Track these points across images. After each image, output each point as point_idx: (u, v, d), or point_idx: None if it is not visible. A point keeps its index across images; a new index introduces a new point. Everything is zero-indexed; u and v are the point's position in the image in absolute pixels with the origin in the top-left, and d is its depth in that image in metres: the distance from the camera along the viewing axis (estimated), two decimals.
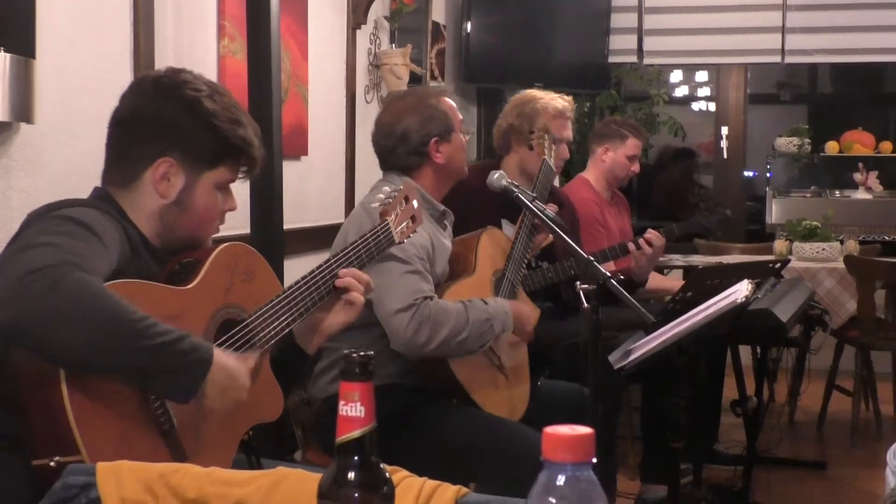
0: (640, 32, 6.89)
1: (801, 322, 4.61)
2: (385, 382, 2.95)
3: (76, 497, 1.47)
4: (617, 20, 6.85)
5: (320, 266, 2.18)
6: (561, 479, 0.90)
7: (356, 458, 1.11)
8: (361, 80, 4.97)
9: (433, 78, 5.84)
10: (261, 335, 2.02)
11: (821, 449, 5.31)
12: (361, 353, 1.10)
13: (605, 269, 2.78)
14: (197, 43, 3.62)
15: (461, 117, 3.13)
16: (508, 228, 3.52)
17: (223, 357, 1.87)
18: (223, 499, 1.45)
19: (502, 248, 3.22)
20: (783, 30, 6.69)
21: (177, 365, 1.78)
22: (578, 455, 0.90)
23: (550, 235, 3.24)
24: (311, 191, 4.48)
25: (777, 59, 6.77)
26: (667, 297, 4.47)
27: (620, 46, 6.88)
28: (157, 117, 2.02)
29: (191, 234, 2.07)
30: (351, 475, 1.10)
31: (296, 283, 2.12)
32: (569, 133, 3.92)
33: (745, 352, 5.25)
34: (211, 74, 3.61)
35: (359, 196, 4.87)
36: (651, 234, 3.88)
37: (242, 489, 1.46)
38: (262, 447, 2.12)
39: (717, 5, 6.78)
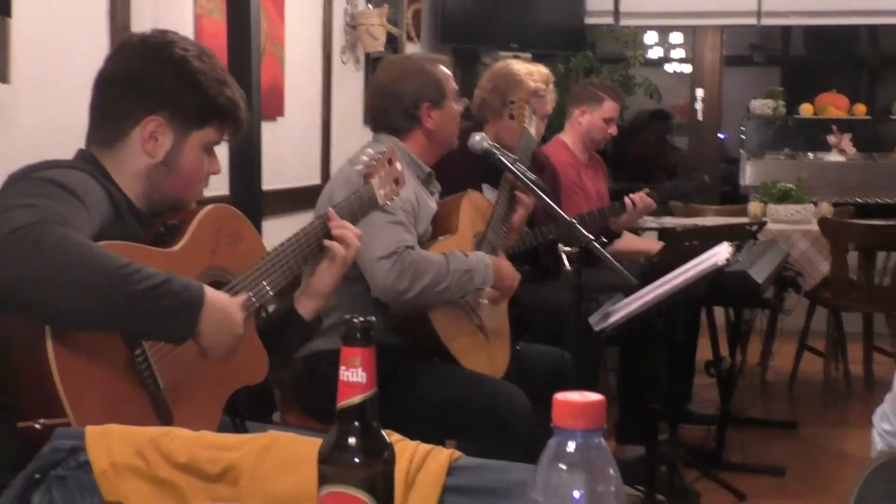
0: None
1: (774, 284, 4.65)
2: None
3: (65, 460, 1.47)
4: None
5: (304, 228, 2.17)
6: (571, 446, 0.90)
7: (357, 423, 1.10)
8: (338, 40, 4.93)
9: (409, 39, 5.82)
10: (248, 296, 2.01)
11: (792, 409, 5.37)
12: (362, 319, 1.10)
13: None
14: (173, 2, 3.58)
15: (456, 87, 3.13)
16: (489, 193, 3.53)
17: (214, 293, 1.87)
18: (214, 463, 1.45)
19: (483, 211, 3.23)
20: None
21: (169, 306, 1.76)
22: (589, 422, 0.90)
23: (524, 213, 3.27)
24: (287, 152, 4.46)
25: (753, 20, 6.78)
26: (641, 258, 4.51)
27: (597, 8, 6.87)
28: (146, 75, 2.01)
29: (177, 195, 2.06)
30: (352, 440, 1.10)
31: (280, 245, 2.11)
32: (546, 109, 3.93)
33: (717, 313, 5.28)
34: (187, 35, 3.54)
35: (335, 158, 4.86)
36: (641, 196, 3.91)
37: (233, 453, 1.45)
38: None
39: None
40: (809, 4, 6.75)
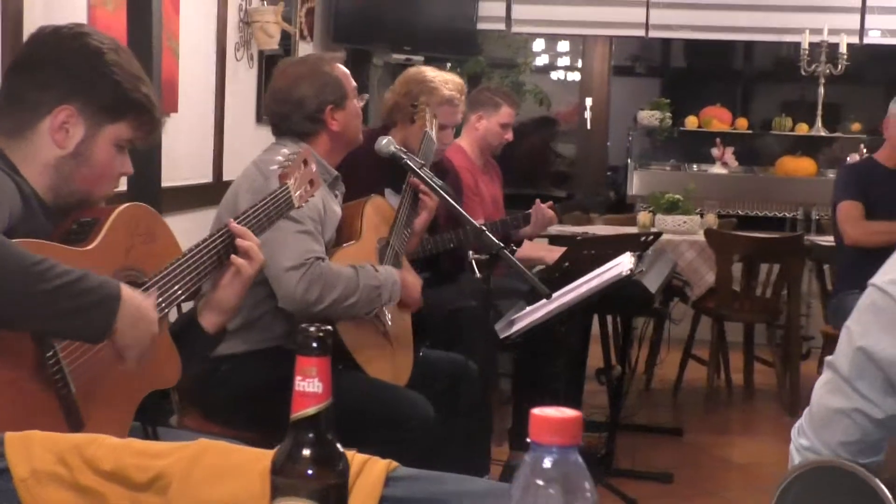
0: (508, 0, 6.91)
1: (662, 293, 4.73)
2: (270, 345, 2.93)
3: None
4: None
5: (219, 230, 2.12)
6: (548, 462, 0.89)
7: (311, 434, 1.07)
8: (232, 37, 4.85)
9: (302, 37, 5.75)
10: (160, 298, 1.95)
11: (676, 416, 5.47)
12: (320, 327, 1.07)
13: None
14: None
15: (354, 84, 3.10)
16: (391, 197, 3.51)
17: (130, 291, 1.81)
18: (143, 470, 1.40)
19: (386, 216, 3.21)
20: (647, 4, 6.82)
21: (86, 303, 1.71)
22: (566, 438, 0.89)
23: (427, 217, 3.26)
24: (180, 148, 4.35)
25: (641, 32, 6.90)
26: (536, 266, 4.55)
27: (489, 13, 6.89)
28: (59, 64, 1.95)
29: (86, 189, 1.99)
30: (306, 452, 1.07)
31: (196, 245, 2.06)
32: (457, 119, 3.94)
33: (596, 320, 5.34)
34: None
35: (228, 155, 4.77)
36: (540, 205, 3.96)
37: (162, 461, 1.40)
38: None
39: None
40: (694, 19, 6.91)
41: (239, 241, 2.12)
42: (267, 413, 2.84)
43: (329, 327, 1.08)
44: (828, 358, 1.65)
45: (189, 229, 2.18)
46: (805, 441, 1.65)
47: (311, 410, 1.07)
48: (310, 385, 1.06)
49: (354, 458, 1.43)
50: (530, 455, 0.90)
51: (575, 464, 0.89)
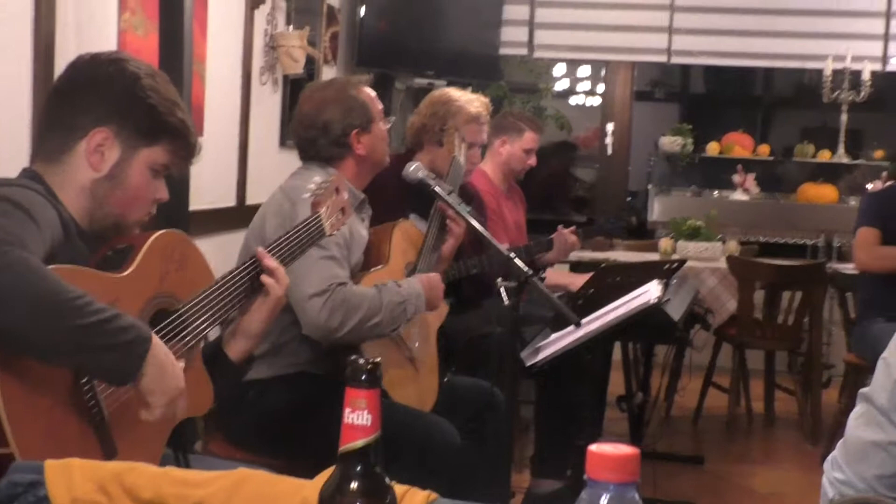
0: (531, 25, 6.94)
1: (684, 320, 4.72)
2: (295, 370, 2.93)
3: (22, 495, 1.39)
4: (509, 12, 6.89)
5: (252, 258, 2.13)
6: (605, 499, 0.88)
7: (359, 467, 1.07)
8: (258, 61, 4.87)
9: (326, 62, 5.77)
10: (194, 325, 1.96)
11: (697, 444, 5.44)
12: (369, 360, 1.06)
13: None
14: (97, 17, 3.48)
15: (381, 106, 3.10)
16: (416, 222, 3.51)
17: (159, 340, 1.81)
18: (182, 499, 1.39)
19: (414, 241, 3.22)
20: (670, 30, 6.83)
21: (115, 343, 1.70)
22: (624, 475, 0.89)
23: (455, 243, 3.27)
24: (205, 172, 4.37)
25: (663, 58, 6.91)
26: (557, 293, 4.54)
27: (511, 38, 6.92)
28: (95, 87, 1.96)
29: (120, 213, 1.99)
30: (354, 485, 1.07)
31: (229, 272, 2.07)
32: (483, 137, 3.93)
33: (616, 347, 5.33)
34: (110, 49, 3.48)
35: (252, 179, 4.78)
36: (563, 231, 3.95)
37: (202, 490, 1.40)
38: None
39: (608, 2, 6.88)
40: (716, 45, 6.91)
41: (266, 262, 2.13)
42: (293, 438, 2.86)
43: (378, 359, 1.07)
44: (863, 390, 1.64)
45: (213, 253, 2.19)
46: (839, 474, 1.63)
47: (359, 443, 1.07)
48: (359, 417, 1.06)
49: (393, 488, 1.42)
50: (587, 492, 0.90)
51: (632, 501, 0.89)
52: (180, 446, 2.00)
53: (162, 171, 2.04)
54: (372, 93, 3.09)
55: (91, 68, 2.00)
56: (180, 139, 2.03)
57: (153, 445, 1.92)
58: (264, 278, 2.13)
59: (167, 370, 1.80)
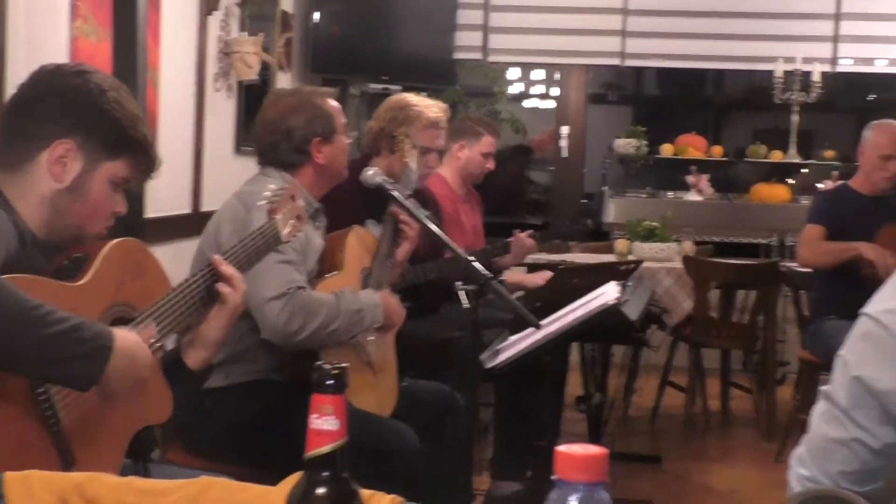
0: (485, 30, 6.96)
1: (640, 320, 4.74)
2: (254, 378, 2.92)
3: None
4: (463, 16, 6.91)
5: (209, 265, 2.13)
6: (574, 500, 0.89)
7: (326, 472, 1.07)
8: (211, 67, 4.85)
9: (281, 68, 5.76)
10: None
11: (655, 443, 5.48)
12: (335, 365, 1.07)
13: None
14: (48, 24, 3.46)
15: (345, 120, 3.11)
16: (374, 228, 3.51)
17: (123, 336, 1.80)
18: None
19: (369, 246, 3.22)
20: (623, 33, 6.88)
21: (78, 352, 1.70)
22: (593, 475, 0.89)
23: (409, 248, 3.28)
24: (159, 180, 4.30)
25: (617, 61, 6.97)
26: (516, 293, 4.56)
27: (466, 43, 6.94)
28: (60, 98, 1.95)
29: (79, 225, 1.98)
30: (321, 490, 1.07)
31: (185, 280, 2.06)
32: (441, 142, 3.93)
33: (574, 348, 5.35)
34: (62, 57, 3.46)
35: (207, 186, 4.76)
36: (521, 235, 3.97)
37: (165, 499, 1.39)
38: None
39: (561, 6, 6.92)
40: (668, 48, 6.97)
41: (223, 269, 2.13)
42: (252, 446, 2.85)
43: (345, 365, 1.08)
44: (823, 388, 1.66)
45: (169, 260, 2.18)
46: (805, 471, 1.66)
47: (326, 449, 1.07)
48: (325, 423, 1.06)
49: (360, 493, 1.43)
50: (557, 492, 0.90)
51: (601, 501, 0.90)
52: (140, 455, 1.99)
53: (122, 184, 2.03)
54: (337, 105, 3.10)
55: (55, 79, 1.98)
56: (142, 154, 2.03)
57: (112, 455, 1.90)
58: (221, 286, 2.12)
59: (129, 369, 1.80)
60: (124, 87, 2.05)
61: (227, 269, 2.14)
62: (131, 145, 1.99)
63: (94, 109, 1.94)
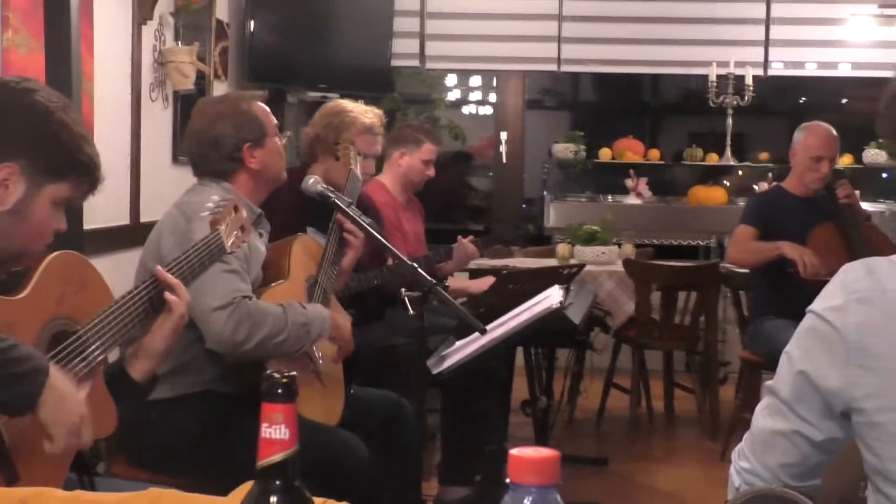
0: (422, 37, 6.97)
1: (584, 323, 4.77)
2: (200, 389, 2.89)
3: None
4: (400, 24, 6.90)
5: (153, 277, 2.10)
6: (527, 502, 0.89)
7: (278, 482, 1.06)
8: (147, 77, 4.80)
9: (217, 77, 5.72)
10: (94, 347, 1.92)
11: (601, 445, 5.51)
12: (285, 374, 1.06)
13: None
14: None
15: (275, 121, 3.09)
16: (315, 236, 3.49)
17: (58, 370, 1.78)
18: None
19: (313, 254, 3.20)
20: (559, 39, 6.92)
21: (12, 374, 1.67)
22: (545, 478, 0.89)
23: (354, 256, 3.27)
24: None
25: (554, 67, 7.00)
26: (459, 299, 4.57)
27: (403, 50, 6.94)
28: (4, 120, 1.91)
29: (20, 246, 1.94)
30: (273, 499, 1.06)
31: (128, 292, 2.03)
32: (377, 148, 3.93)
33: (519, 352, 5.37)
34: None
35: (145, 197, 4.71)
36: (463, 240, 3.97)
37: None
38: None
39: (497, 13, 6.94)
40: (603, 53, 7.03)
41: (166, 279, 2.11)
42: (197, 458, 2.82)
43: (294, 373, 1.07)
44: (767, 382, 1.68)
45: (109, 272, 2.15)
46: (745, 464, 1.67)
47: (277, 457, 1.05)
48: (276, 432, 1.05)
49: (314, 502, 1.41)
50: (510, 495, 0.90)
51: (554, 503, 0.89)
52: (84, 469, 1.96)
53: (64, 203, 2.00)
54: (265, 108, 3.07)
55: (1, 97, 1.94)
56: (87, 175, 2.01)
57: (56, 470, 1.87)
58: (167, 295, 2.10)
59: (66, 400, 1.77)
60: (70, 104, 2.01)
61: (170, 278, 2.12)
62: (76, 168, 1.96)
63: (38, 133, 1.91)
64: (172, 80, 4.95)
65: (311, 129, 3.88)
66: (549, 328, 3.76)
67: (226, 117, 3.00)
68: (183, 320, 2.16)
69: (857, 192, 4.98)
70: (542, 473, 0.90)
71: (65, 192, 1.97)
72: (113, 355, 2.16)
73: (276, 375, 1.06)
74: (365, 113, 3.85)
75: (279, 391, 1.06)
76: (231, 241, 2.33)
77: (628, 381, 5.66)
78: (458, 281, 4.97)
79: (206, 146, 2.99)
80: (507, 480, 0.91)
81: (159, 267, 2.15)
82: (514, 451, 0.91)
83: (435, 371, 2.98)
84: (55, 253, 1.94)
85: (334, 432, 2.89)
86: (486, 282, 4.65)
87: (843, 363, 1.50)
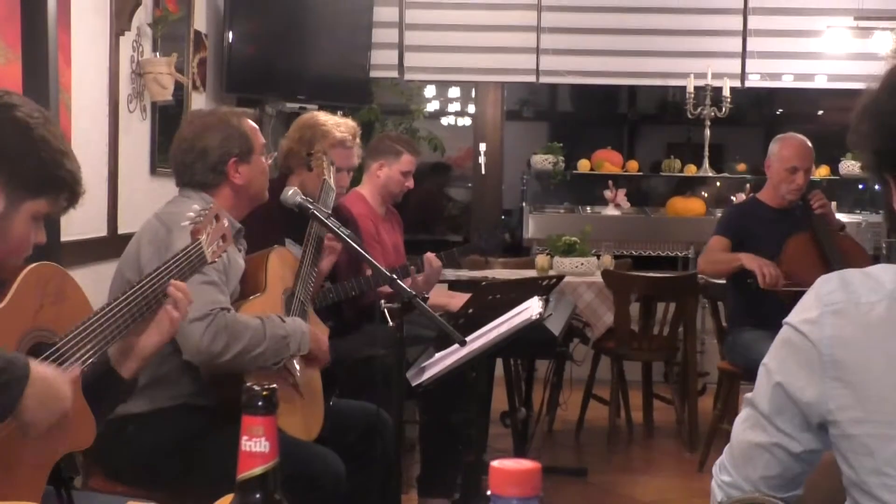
0: (400, 48, 6.98)
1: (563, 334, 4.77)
2: (177, 403, 2.87)
3: None
4: (378, 35, 6.92)
5: (133, 288, 2.09)
6: None
7: (258, 495, 1.06)
8: (125, 88, 4.78)
9: (195, 88, 5.71)
10: (72, 359, 1.91)
11: (580, 456, 5.51)
12: (265, 386, 1.05)
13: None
14: None
15: (263, 140, 3.09)
16: (291, 247, 3.49)
17: (41, 369, 1.77)
18: None
19: (291, 266, 3.19)
20: (538, 51, 6.95)
21: None
22: (526, 489, 0.89)
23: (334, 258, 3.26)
24: None
25: (532, 78, 7.03)
26: (438, 314, 4.56)
27: (382, 61, 6.95)
28: None
29: (1, 259, 1.93)
30: None
31: (107, 304, 2.02)
32: (352, 161, 3.93)
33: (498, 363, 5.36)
34: None
35: (123, 208, 4.69)
36: (428, 256, 3.95)
37: None
38: None
39: (476, 24, 6.97)
40: (581, 65, 7.06)
41: (169, 289, 2.13)
42: (174, 472, 2.81)
43: (274, 385, 1.06)
44: (747, 395, 1.68)
45: (87, 283, 2.14)
46: (727, 477, 1.67)
47: (257, 471, 1.05)
48: (256, 445, 1.05)
49: None
50: None
51: None
52: (62, 482, 1.95)
53: (43, 217, 1.99)
54: (255, 126, 3.08)
55: None
56: (67, 191, 2.00)
57: (34, 483, 1.86)
58: (168, 307, 2.11)
59: (47, 401, 1.77)
60: (52, 118, 2.01)
61: (174, 291, 2.13)
62: (56, 184, 1.96)
63: (18, 150, 1.90)
64: (150, 91, 4.93)
65: (285, 142, 3.89)
66: (529, 339, 3.76)
67: (215, 129, 3.00)
68: (176, 327, 2.17)
69: (832, 203, 5.01)
70: (523, 485, 0.90)
71: (44, 207, 1.97)
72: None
73: (257, 388, 1.05)
74: (338, 126, 3.84)
75: (259, 403, 1.05)
76: (211, 249, 2.32)
77: (607, 392, 5.66)
78: (440, 294, 4.94)
79: (192, 156, 2.99)
80: (488, 492, 0.90)
81: (175, 282, 2.15)
82: (495, 463, 0.91)
83: (414, 383, 2.97)
84: (33, 265, 1.93)
85: (309, 448, 2.87)
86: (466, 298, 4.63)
87: (819, 375, 1.51)
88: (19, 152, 1.90)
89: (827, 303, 1.52)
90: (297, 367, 3.01)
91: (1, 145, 1.90)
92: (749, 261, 4.57)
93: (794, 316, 1.59)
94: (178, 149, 3.03)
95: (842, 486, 1.57)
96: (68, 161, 1.98)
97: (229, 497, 1.10)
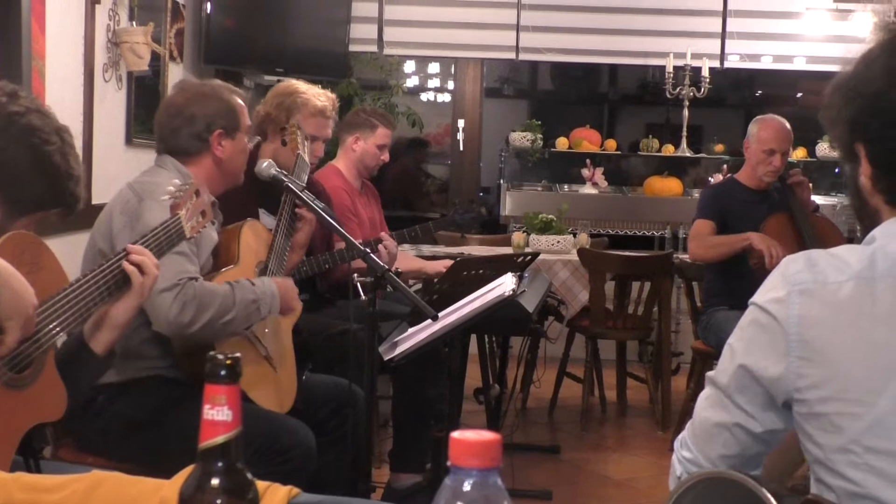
0: (380, 22, 6.95)
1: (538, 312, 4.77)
2: (147, 374, 2.86)
3: None
4: (358, 9, 6.88)
5: (109, 261, 2.08)
6: (468, 485, 0.88)
7: (220, 463, 1.05)
8: (100, 57, 4.74)
9: (172, 58, 5.66)
10: (47, 329, 1.90)
11: (553, 434, 5.53)
12: (228, 355, 1.04)
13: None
14: None
15: (249, 122, 3.08)
16: (266, 218, 3.47)
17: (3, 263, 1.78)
18: None
19: (264, 239, 3.18)
20: (517, 28, 6.93)
21: None
22: (486, 460, 0.89)
23: (309, 230, 3.24)
24: None
25: (512, 55, 7.01)
26: (413, 282, 4.56)
27: (360, 35, 6.92)
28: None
29: None
30: (215, 482, 1.05)
31: (83, 275, 2.01)
32: (328, 132, 3.92)
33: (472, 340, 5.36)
34: None
35: (97, 178, 4.66)
36: (385, 239, 3.95)
37: (56, 495, 1.36)
38: None
39: (456, 0, 6.93)
40: (561, 42, 7.05)
41: (133, 256, 2.11)
42: (145, 442, 2.79)
43: (238, 354, 1.05)
44: (709, 373, 1.68)
45: (61, 253, 2.13)
46: (687, 453, 1.68)
47: (220, 439, 1.04)
48: (219, 413, 1.04)
49: (256, 484, 1.40)
50: (451, 478, 0.90)
51: (494, 486, 0.89)
52: (30, 452, 1.94)
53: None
54: (244, 106, 3.07)
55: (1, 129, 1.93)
56: (66, 209, 2.03)
57: (3, 452, 1.84)
58: (127, 266, 2.11)
59: (20, 293, 1.78)
60: (68, 132, 2.02)
61: (140, 250, 2.12)
62: (55, 204, 2.00)
63: (29, 176, 1.93)
64: (126, 60, 4.89)
65: (262, 108, 3.87)
66: (503, 316, 3.76)
67: (206, 98, 3.00)
68: (147, 294, 2.15)
69: (809, 183, 5.03)
70: (482, 456, 0.89)
71: (42, 218, 2.01)
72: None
73: (220, 356, 1.05)
74: (318, 96, 3.83)
75: (222, 372, 1.05)
76: (190, 225, 2.31)
77: (581, 371, 5.67)
78: (414, 261, 4.92)
79: (178, 120, 2.98)
80: (448, 463, 0.90)
81: (130, 245, 2.14)
82: (455, 434, 0.91)
83: (387, 357, 2.97)
84: (9, 233, 1.91)
85: (279, 420, 2.86)
86: (443, 263, 4.62)
87: (785, 354, 1.51)
88: (30, 178, 1.94)
89: (794, 282, 1.52)
90: (269, 339, 3.00)
91: (12, 167, 1.92)
92: (759, 241, 4.57)
93: (760, 296, 1.59)
94: (165, 113, 3.02)
95: (797, 464, 1.58)
96: (73, 184, 2.02)
97: (192, 467, 1.09)
